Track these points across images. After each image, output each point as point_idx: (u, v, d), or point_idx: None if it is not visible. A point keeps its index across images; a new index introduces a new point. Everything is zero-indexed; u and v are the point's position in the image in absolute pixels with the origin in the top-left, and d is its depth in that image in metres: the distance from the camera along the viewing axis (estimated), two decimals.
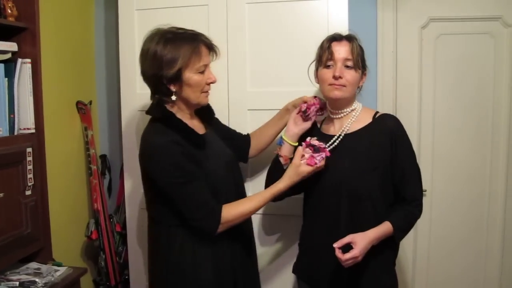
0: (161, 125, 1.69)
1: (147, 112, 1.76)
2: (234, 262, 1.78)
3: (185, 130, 1.70)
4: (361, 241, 1.61)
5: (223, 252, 1.75)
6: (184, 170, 1.64)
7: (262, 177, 2.18)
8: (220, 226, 1.66)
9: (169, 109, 1.74)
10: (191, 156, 1.67)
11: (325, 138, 1.81)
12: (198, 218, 1.65)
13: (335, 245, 1.61)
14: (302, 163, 1.71)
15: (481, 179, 2.60)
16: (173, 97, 1.70)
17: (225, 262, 1.75)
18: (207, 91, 1.75)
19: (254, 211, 1.73)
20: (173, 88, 1.69)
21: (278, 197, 1.82)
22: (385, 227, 1.68)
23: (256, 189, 2.19)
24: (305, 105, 1.86)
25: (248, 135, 2.09)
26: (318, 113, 1.90)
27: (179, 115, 1.73)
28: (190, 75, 1.67)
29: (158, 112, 1.73)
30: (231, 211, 1.68)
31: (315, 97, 1.91)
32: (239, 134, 2.08)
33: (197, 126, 1.82)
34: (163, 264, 1.73)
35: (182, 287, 1.72)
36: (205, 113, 1.88)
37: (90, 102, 2.82)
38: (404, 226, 1.73)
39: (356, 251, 1.59)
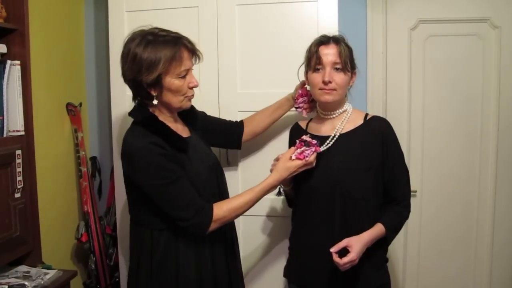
0: (142, 128, 1.65)
1: (130, 114, 1.73)
2: (217, 265, 1.75)
3: (166, 132, 1.66)
4: (357, 244, 1.63)
5: (206, 254, 1.72)
6: (166, 171, 1.60)
7: (253, 165, 2.23)
8: (212, 224, 1.63)
9: (152, 111, 1.71)
10: (173, 158, 1.63)
11: (317, 138, 1.81)
12: (188, 218, 1.61)
13: (332, 250, 1.62)
14: (292, 159, 1.71)
15: (470, 180, 2.62)
16: (154, 101, 1.66)
17: (208, 264, 1.72)
18: (189, 95, 1.71)
19: (245, 207, 1.70)
20: (153, 93, 1.64)
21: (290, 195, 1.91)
22: (378, 229, 1.71)
23: (247, 179, 2.20)
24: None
25: (241, 121, 2.08)
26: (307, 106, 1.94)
27: (161, 118, 1.70)
28: (170, 80, 1.62)
29: (139, 115, 1.69)
30: (222, 207, 1.66)
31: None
32: (231, 122, 2.08)
33: (181, 129, 1.79)
34: (147, 267, 1.69)
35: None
36: (188, 116, 1.86)
37: (80, 104, 2.81)
38: (395, 227, 1.76)
39: (354, 255, 1.61)
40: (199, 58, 1.72)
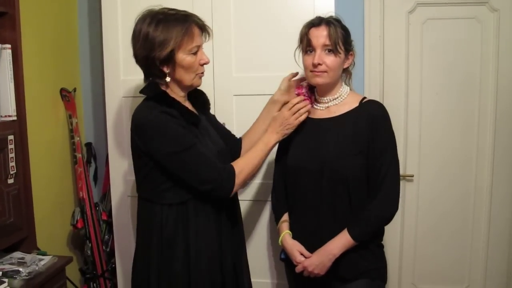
0: (154, 102, 1.67)
1: (141, 92, 1.74)
2: (222, 239, 1.77)
3: (179, 106, 1.69)
4: (314, 257, 1.72)
5: (213, 230, 1.74)
6: (183, 137, 1.63)
7: None
8: (236, 180, 1.67)
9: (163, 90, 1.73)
10: (187, 127, 1.67)
11: (312, 122, 1.82)
12: (212, 179, 1.64)
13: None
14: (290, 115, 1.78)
15: (467, 165, 2.60)
16: (167, 79, 1.69)
17: (215, 239, 1.74)
18: (201, 72, 1.74)
19: (260, 159, 1.76)
20: (166, 70, 1.67)
21: None
22: (344, 238, 1.70)
23: None
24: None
25: (240, 139, 2.04)
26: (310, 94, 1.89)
27: (172, 96, 1.72)
28: (182, 56, 1.65)
29: (151, 91, 1.71)
30: (239, 162, 1.73)
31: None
32: (232, 136, 2.05)
33: (190, 109, 1.80)
34: (157, 244, 1.70)
35: (176, 264, 1.70)
36: (200, 102, 1.87)
37: (74, 90, 2.78)
38: (364, 232, 1.70)
39: (306, 262, 1.73)
40: (209, 35, 1.76)
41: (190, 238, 1.70)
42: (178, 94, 1.74)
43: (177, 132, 1.63)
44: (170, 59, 1.64)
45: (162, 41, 1.61)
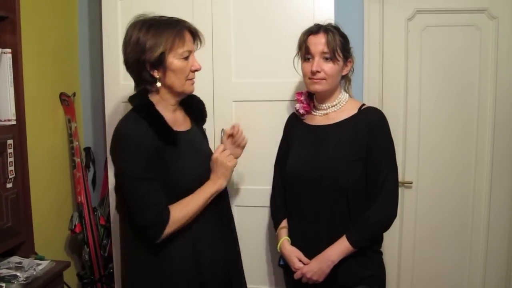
0: (135, 114, 1.62)
1: (128, 99, 1.71)
2: (214, 252, 1.71)
3: (159, 123, 1.61)
4: (313, 263, 1.72)
5: (208, 236, 1.70)
6: (140, 167, 1.55)
7: (246, 159, 2.13)
8: (167, 230, 1.57)
9: (152, 98, 1.66)
10: (158, 154, 1.58)
11: (311, 128, 1.82)
12: (144, 221, 1.56)
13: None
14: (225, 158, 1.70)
15: (466, 172, 2.61)
16: (158, 84, 1.64)
17: (205, 252, 1.68)
18: (192, 79, 1.70)
19: (199, 208, 1.64)
20: (156, 74, 1.62)
21: None
22: (344, 245, 1.70)
23: (240, 174, 2.20)
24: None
25: None
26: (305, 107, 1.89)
27: (161, 106, 1.66)
28: (173, 60, 1.61)
29: (134, 100, 1.67)
30: (177, 213, 1.60)
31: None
32: None
33: (180, 120, 1.75)
34: (141, 262, 1.65)
35: (170, 274, 1.65)
36: (195, 111, 1.83)
37: (74, 94, 2.78)
38: (362, 238, 1.71)
39: (305, 269, 1.73)
40: (200, 43, 1.73)
41: (173, 258, 1.64)
42: (168, 102, 1.69)
43: (142, 159, 1.55)
44: (160, 63, 1.60)
45: (152, 44, 1.58)
